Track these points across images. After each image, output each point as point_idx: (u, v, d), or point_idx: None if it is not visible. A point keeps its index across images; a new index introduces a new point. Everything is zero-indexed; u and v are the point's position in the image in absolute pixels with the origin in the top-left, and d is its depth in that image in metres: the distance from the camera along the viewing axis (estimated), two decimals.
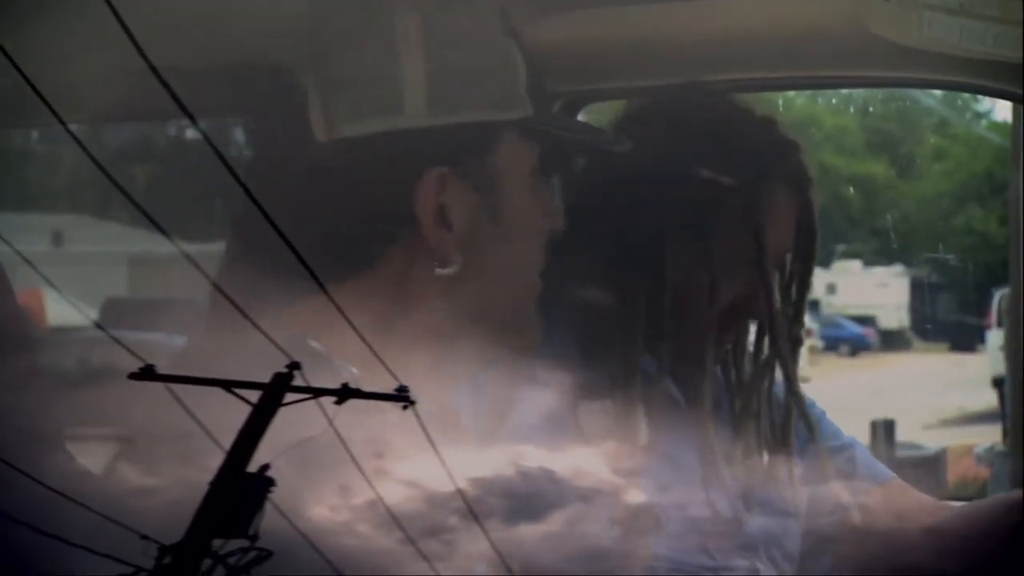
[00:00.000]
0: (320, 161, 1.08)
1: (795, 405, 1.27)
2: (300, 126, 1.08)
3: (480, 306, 1.15)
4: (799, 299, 1.36)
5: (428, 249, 1.11)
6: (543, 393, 1.05)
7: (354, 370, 1.05)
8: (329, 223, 1.08)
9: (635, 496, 1.07)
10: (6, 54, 0.62)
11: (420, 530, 0.81)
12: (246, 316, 0.73)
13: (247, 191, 0.70)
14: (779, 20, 1.36)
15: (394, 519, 0.77)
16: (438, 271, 1.11)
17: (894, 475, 1.39)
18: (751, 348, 1.37)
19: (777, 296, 1.33)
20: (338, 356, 1.06)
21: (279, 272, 1.07)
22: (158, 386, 0.68)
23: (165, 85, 0.61)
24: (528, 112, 1.14)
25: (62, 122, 0.67)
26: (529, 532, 0.95)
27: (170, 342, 1.07)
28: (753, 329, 1.39)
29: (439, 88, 1.09)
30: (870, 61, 1.38)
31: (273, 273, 1.06)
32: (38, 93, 0.63)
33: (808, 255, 1.35)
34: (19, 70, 0.62)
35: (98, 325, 0.71)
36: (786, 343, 1.31)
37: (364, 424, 0.75)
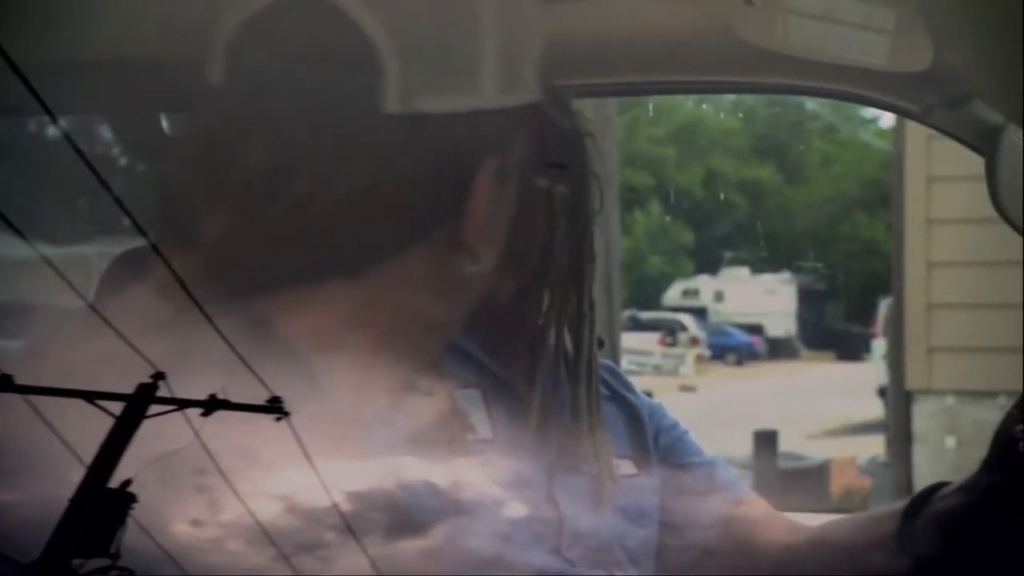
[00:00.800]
0: (384, 134, 0.98)
1: (582, 398, 1.26)
2: (368, 93, 0.98)
3: (475, 313, 1.11)
4: (577, 274, 1.33)
5: (462, 243, 1.03)
6: (421, 402, 1.05)
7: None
8: (380, 199, 0.99)
9: (517, 509, 1.08)
10: None
11: (294, 546, 0.80)
12: (106, 320, 0.72)
13: (111, 193, 0.69)
14: (650, 23, 1.37)
15: (266, 535, 0.77)
16: (468, 269, 1.04)
17: (753, 493, 1.43)
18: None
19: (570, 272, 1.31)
20: None
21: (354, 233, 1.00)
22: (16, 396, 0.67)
23: (25, 81, 0.60)
24: (536, 97, 1.08)
25: None
26: (409, 547, 0.95)
27: (11, 347, 1.01)
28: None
29: (509, 65, 1.03)
30: (737, 66, 1.40)
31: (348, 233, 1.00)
32: None
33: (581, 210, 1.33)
34: None
35: None
36: (575, 323, 1.30)
37: (231, 434, 0.74)
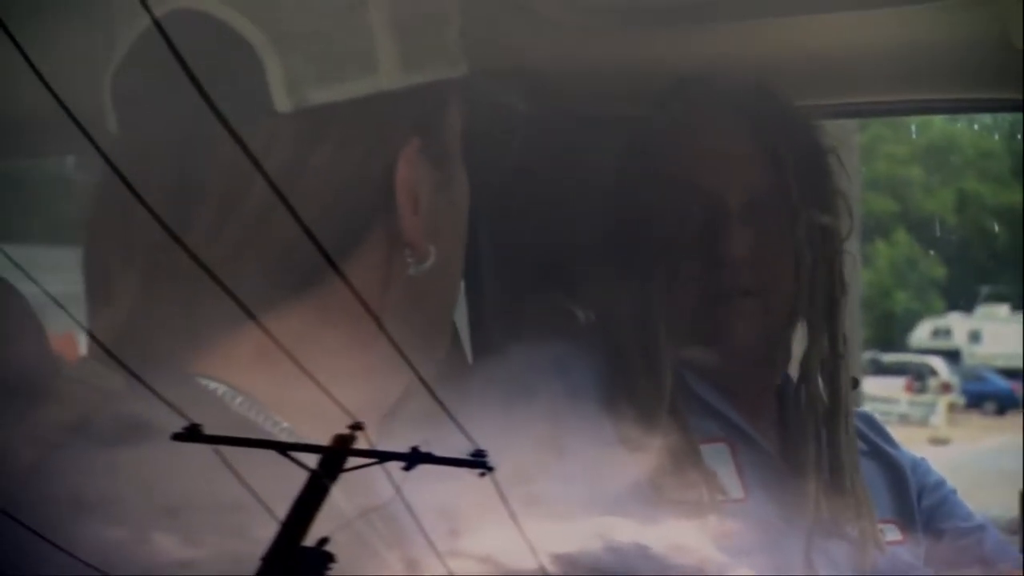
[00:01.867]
0: (282, 138, 0.96)
1: (840, 452, 1.22)
2: (256, 96, 0.96)
3: (435, 313, 1.08)
4: (828, 305, 1.29)
5: (402, 243, 1.01)
6: (626, 452, 1.04)
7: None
8: (298, 215, 0.95)
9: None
10: None
11: None
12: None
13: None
14: (907, 36, 1.34)
15: None
16: (413, 270, 1.02)
17: None
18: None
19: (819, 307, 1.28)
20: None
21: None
22: (197, 448, 0.69)
23: None
24: (464, 70, 1.07)
25: None
26: None
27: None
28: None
29: (410, 40, 1.01)
30: (1011, 80, 1.35)
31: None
32: None
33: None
34: None
35: (139, 378, 0.72)
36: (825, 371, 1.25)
37: (434, 491, 0.75)
